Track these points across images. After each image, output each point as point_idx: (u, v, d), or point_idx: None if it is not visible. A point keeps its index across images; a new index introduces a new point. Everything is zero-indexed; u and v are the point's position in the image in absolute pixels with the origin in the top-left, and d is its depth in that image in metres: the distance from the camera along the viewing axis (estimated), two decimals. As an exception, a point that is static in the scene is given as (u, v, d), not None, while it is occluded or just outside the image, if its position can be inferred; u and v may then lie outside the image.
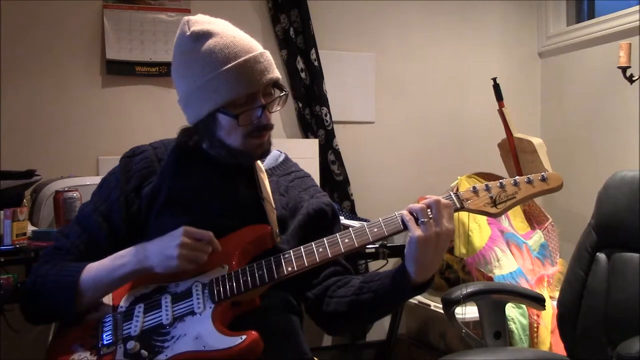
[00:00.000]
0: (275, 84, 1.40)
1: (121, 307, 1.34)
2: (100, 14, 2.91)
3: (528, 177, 1.31)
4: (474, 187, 1.31)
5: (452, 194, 1.30)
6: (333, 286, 1.43)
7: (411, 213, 1.25)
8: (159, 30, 2.99)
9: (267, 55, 1.39)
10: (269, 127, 1.39)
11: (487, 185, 1.31)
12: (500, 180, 1.32)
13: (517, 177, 1.32)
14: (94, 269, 1.34)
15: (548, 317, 2.73)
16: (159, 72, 2.99)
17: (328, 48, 3.26)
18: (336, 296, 1.41)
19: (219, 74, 1.33)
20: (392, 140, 3.45)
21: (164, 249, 1.28)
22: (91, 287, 1.32)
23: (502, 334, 2.12)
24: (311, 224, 1.45)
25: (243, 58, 1.34)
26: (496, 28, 3.66)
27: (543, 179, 1.31)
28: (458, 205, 1.29)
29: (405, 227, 1.26)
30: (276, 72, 1.39)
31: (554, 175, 1.31)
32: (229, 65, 1.33)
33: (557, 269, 2.97)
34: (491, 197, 1.30)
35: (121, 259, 1.33)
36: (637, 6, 3.03)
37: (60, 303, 1.33)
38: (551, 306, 2.59)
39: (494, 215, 1.31)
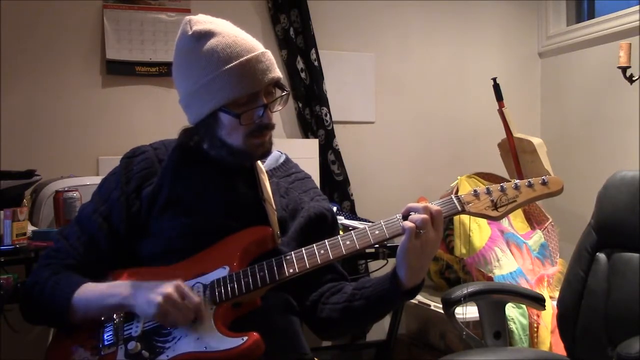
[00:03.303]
0: (277, 83, 1.41)
1: (122, 307, 1.34)
2: (100, 14, 2.90)
3: (529, 181, 1.32)
4: (475, 191, 1.31)
5: (453, 197, 1.31)
6: (327, 293, 1.44)
7: (414, 222, 1.24)
8: (159, 30, 2.98)
9: (269, 54, 1.39)
10: (270, 126, 1.39)
11: (488, 189, 1.31)
12: (502, 184, 1.32)
13: (518, 180, 1.33)
14: (88, 291, 1.33)
15: (548, 317, 2.73)
16: (159, 72, 2.99)
17: (328, 48, 3.26)
18: (329, 303, 1.42)
19: (221, 73, 1.33)
20: (392, 140, 3.45)
21: (149, 293, 1.26)
22: (82, 308, 1.32)
23: (502, 334, 2.12)
24: (311, 227, 1.45)
25: (245, 57, 1.34)
26: (496, 28, 3.66)
27: (544, 183, 1.32)
28: (459, 209, 1.30)
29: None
30: (278, 72, 1.39)
31: (555, 179, 1.32)
32: (231, 64, 1.33)
33: (557, 269, 2.97)
34: (492, 201, 1.30)
35: (115, 288, 1.32)
36: (637, 6, 3.03)
37: (53, 316, 1.34)
38: (551, 306, 2.59)
39: (495, 219, 1.31)
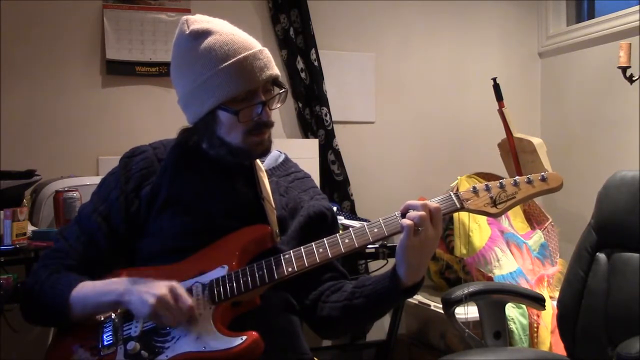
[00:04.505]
0: (275, 81, 1.41)
1: (121, 307, 1.34)
2: (100, 14, 2.91)
3: (528, 177, 1.31)
4: (474, 187, 1.30)
5: (452, 194, 1.30)
6: (327, 291, 1.43)
7: (412, 220, 1.24)
8: (159, 30, 2.99)
9: (266, 52, 1.39)
10: (269, 124, 1.39)
11: (487, 186, 1.30)
12: (500, 181, 1.31)
13: (517, 177, 1.32)
14: (85, 289, 1.33)
15: (548, 317, 2.73)
16: (159, 72, 2.99)
17: (328, 48, 3.26)
18: (329, 301, 1.41)
19: (219, 70, 1.33)
20: (392, 140, 3.45)
21: (144, 292, 1.25)
22: (80, 306, 1.32)
23: (502, 334, 2.12)
24: (311, 226, 1.45)
25: (242, 55, 1.34)
26: (496, 28, 3.66)
27: (543, 179, 1.30)
28: (458, 206, 1.29)
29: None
30: (275, 69, 1.39)
31: (554, 175, 1.31)
32: (229, 62, 1.33)
33: (557, 269, 2.97)
34: (491, 197, 1.29)
35: (111, 285, 1.32)
36: (637, 6, 3.03)
37: (53, 315, 1.34)
38: (551, 306, 2.59)
39: (494, 216, 1.31)
